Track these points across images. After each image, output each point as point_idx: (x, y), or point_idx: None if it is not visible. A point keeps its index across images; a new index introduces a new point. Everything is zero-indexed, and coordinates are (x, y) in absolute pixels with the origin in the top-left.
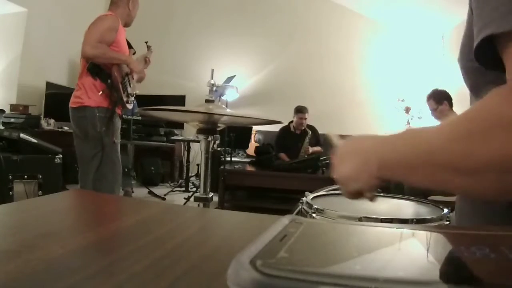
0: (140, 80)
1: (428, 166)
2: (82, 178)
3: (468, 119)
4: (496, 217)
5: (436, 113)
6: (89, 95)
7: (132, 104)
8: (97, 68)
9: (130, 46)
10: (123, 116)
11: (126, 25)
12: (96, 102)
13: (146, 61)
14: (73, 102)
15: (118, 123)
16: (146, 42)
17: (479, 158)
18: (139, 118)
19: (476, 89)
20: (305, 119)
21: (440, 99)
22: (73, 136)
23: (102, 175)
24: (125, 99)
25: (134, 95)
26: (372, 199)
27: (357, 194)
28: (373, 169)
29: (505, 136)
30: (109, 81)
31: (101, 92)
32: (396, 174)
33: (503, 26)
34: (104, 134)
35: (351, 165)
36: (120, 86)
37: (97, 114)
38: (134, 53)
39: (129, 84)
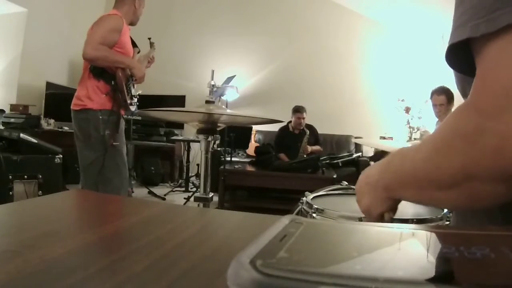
0: (138, 82)
1: (415, 184)
2: (86, 182)
3: (435, 137)
4: (490, 217)
5: (443, 108)
6: (92, 97)
7: (135, 106)
8: (99, 69)
9: (134, 45)
10: (123, 116)
11: (132, 23)
12: (99, 104)
13: (149, 60)
14: (75, 105)
15: (122, 125)
16: (149, 39)
17: (446, 171)
18: (139, 118)
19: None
20: (303, 118)
21: (451, 98)
22: (75, 139)
23: (107, 180)
24: (129, 101)
25: (137, 97)
26: (390, 220)
27: (381, 219)
28: (382, 192)
29: (462, 147)
30: (113, 82)
31: (105, 95)
32: (398, 193)
33: (462, 35)
34: (107, 137)
35: (367, 196)
36: (125, 88)
37: (100, 117)
38: (138, 52)
39: (133, 86)
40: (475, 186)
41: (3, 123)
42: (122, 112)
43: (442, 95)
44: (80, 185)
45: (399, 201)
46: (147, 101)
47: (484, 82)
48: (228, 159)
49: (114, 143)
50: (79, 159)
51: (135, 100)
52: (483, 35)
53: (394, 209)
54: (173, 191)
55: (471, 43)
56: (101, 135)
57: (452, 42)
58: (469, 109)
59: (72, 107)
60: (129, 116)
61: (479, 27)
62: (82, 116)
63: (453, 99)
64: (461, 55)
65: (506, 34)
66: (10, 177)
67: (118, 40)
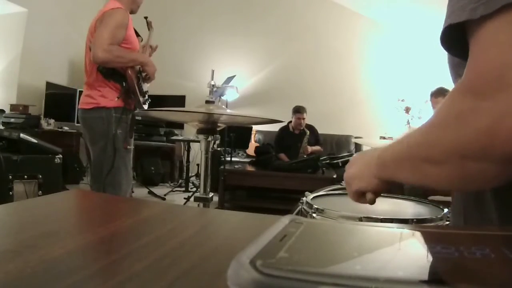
0: (151, 80)
1: (409, 160)
2: (95, 184)
3: (432, 117)
4: (486, 218)
5: None
6: (105, 95)
7: (147, 105)
8: (109, 70)
9: (137, 35)
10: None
11: (132, 12)
12: (113, 102)
13: (151, 48)
14: (85, 103)
15: (130, 122)
16: (145, 18)
17: (440, 147)
18: (139, 118)
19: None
20: (304, 119)
21: None
22: (85, 140)
23: (116, 182)
24: (141, 100)
25: (147, 93)
26: (372, 201)
27: (360, 194)
28: (373, 169)
29: (456, 125)
30: (124, 84)
31: (117, 98)
32: (391, 172)
33: (459, 17)
34: (119, 136)
35: (356, 166)
36: (137, 87)
37: (114, 114)
38: (141, 41)
39: (143, 82)
40: (467, 165)
41: (3, 123)
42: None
43: (439, 97)
44: (89, 186)
45: (384, 185)
46: None
47: (477, 62)
48: (228, 159)
49: (128, 147)
50: (93, 161)
51: (146, 97)
52: (480, 17)
53: (376, 192)
54: (173, 191)
55: (467, 26)
56: (113, 134)
57: (450, 23)
58: (463, 89)
59: (82, 106)
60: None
61: (477, 9)
62: (95, 114)
63: None
64: (455, 39)
65: (501, 15)
66: (10, 177)
67: (125, 36)
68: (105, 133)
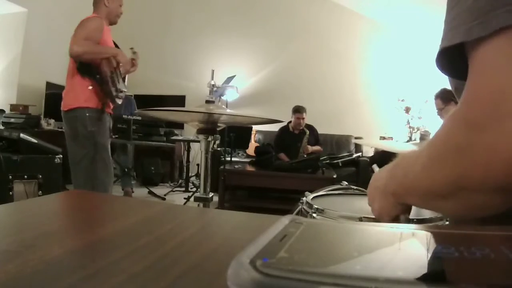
0: (125, 73)
1: (416, 193)
2: (75, 179)
3: (430, 146)
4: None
5: (442, 112)
6: (79, 96)
7: (121, 100)
8: (86, 67)
9: (116, 46)
10: (123, 116)
11: (111, 23)
12: (86, 102)
13: (133, 64)
14: (63, 105)
15: (108, 123)
16: (131, 49)
17: (440, 182)
18: (139, 118)
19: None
20: (303, 118)
21: (447, 99)
22: (66, 138)
23: (94, 176)
24: (114, 93)
25: (125, 92)
26: (406, 220)
27: (393, 221)
28: (391, 199)
29: (453, 159)
30: (97, 76)
31: (90, 87)
32: (405, 199)
33: (452, 40)
34: (95, 133)
35: (377, 201)
36: (109, 80)
37: (87, 114)
38: (133, 53)
39: (118, 80)
40: (470, 196)
41: (3, 123)
42: (109, 110)
43: (437, 99)
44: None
45: (408, 206)
46: (147, 101)
47: (473, 90)
48: (228, 159)
49: (105, 144)
50: (69, 157)
51: (122, 94)
52: (477, 39)
53: (407, 211)
54: (173, 191)
55: (465, 47)
56: (88, 131)
57: (445, 45)
58: (458, 120)
59: (61, 107)
60: (129, 116)
61: (472, 30)
62: (70, 114)
63: (453, 98)
64: (454, 58)
65: (500, 37)
66: (10, 177)
67: (101, 40)
68: (80, 130)
